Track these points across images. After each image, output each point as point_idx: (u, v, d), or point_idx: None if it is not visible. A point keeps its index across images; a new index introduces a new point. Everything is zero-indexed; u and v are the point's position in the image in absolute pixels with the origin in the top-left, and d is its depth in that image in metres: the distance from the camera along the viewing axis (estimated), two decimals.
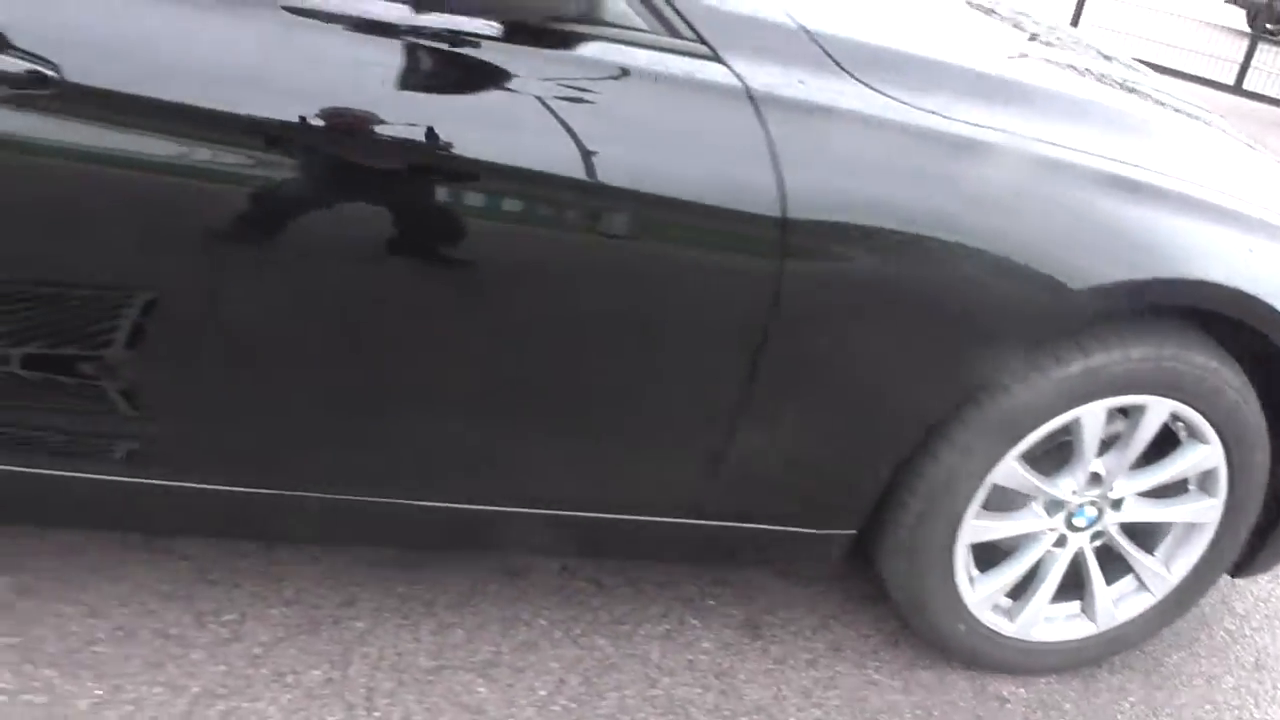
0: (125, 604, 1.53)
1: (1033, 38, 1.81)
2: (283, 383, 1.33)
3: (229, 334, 1.28)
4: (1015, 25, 1.85)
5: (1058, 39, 1.86)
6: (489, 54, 1.23)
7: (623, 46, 1.25)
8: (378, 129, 1.20)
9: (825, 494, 1.50)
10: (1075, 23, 5.67)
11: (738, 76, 1.28)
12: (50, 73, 1.12)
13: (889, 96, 1.34)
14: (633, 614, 1.65)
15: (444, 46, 1.22)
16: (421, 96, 1.23)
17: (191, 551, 1.63)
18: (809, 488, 1.49)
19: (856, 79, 1.33)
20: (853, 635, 1.69)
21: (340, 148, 1.20)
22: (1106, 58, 1.86)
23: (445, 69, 1.24)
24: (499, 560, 1.69)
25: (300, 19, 1.19)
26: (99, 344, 1.26)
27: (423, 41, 1.22)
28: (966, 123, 1.37)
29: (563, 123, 1.24)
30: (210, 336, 1.28)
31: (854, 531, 1.54)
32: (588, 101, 1.24)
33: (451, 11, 1.20)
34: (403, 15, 1.21)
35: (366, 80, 1.20)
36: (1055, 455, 1.60)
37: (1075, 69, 1.73)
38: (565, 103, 1.24)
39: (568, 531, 1.46)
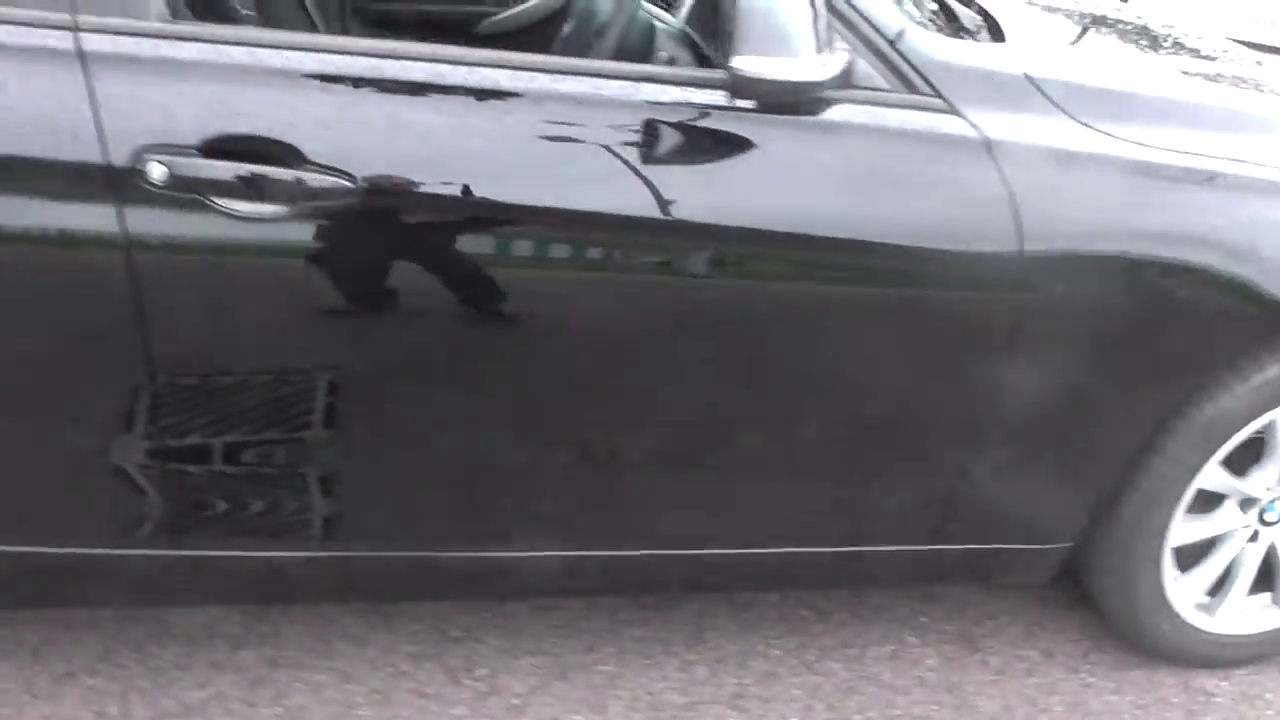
0: (376, 667, 1.60)
1: (1195, 53, 1.87)
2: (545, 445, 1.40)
3: (459, 410, 1.35)
4: (1178, 44, 1.91)
5: (1218, 51, 1.92)
6: (745, 126, 1.27)
7: (868, 107, 1.31)
8: (645, 209, 1.25)
9: (1050, 510, 1.57)
10: None
11: (974, 126, 1.34)
12: (347, 182, 1.19)
13: (1102, 132, 1.40)
14: (857, 637, 1.72)
15: (703, 124, 1.27)
16: (686, 172, 1.28)
17: (421, 611, 1.70)
18: (1036, 506, 1.56)
19: (1074, 118, 1.39)
20: (1061, 640, 1.76)
21: (620, 227, 1.25)
22: (1259, 63, 1.93)
23: (704, 143, 1.29)
24: (718, 595, 1.76)
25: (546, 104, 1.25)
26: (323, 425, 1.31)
27: (684, 120, 1.27)
28: (1173, 150, 1.43)
29: (820, 185, 1.31)
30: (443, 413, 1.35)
31: (1071, 544, 1.61)
32: (840, 163, 1.31)
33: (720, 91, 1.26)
34: (672, 96, 1.26)
35: (628, 159, 1.25)
36: (1239, 455, 1.67)
37: (1245, 82, 1.79)
38: (819, 166, 1.31)
39: (817, 568, 1.55)
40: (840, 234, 1.31)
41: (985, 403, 1.44)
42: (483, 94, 1.22)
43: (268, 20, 1.73)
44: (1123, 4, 2.84)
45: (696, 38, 1.56)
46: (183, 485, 1.34)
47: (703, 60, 1.58)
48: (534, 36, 2.48)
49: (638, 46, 1.54)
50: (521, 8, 2.44)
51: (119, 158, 1.15)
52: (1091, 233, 1.38)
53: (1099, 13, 1.93)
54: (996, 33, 1.60)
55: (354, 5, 2.40)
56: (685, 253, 1.29)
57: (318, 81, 1.19)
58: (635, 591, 1.69)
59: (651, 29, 1.56)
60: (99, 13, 1.17)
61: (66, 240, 1.18)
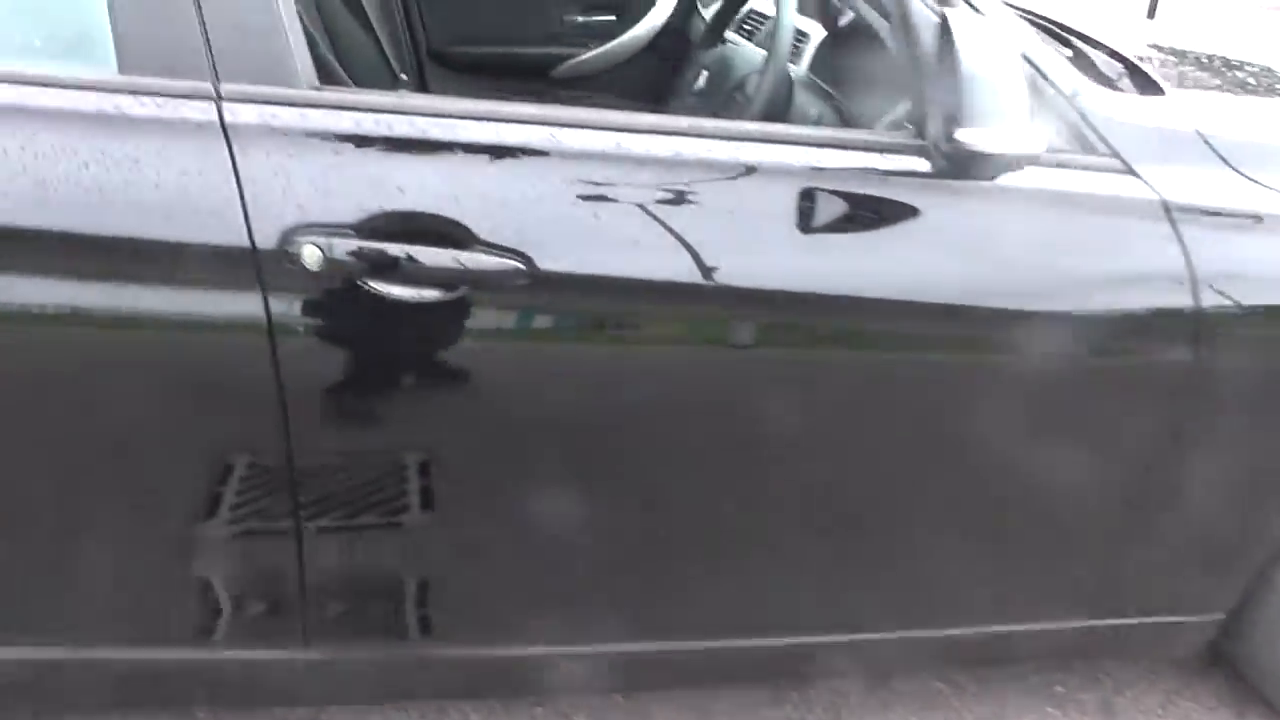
0: None
1: None
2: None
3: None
4: None
5: None
6: (922, 193, 1.20)
7: (1048, 169, 1.23)
8: (845, 287, 1.18)
9: (1207, 580, 1.49)
10: (1151, 14, 5.68)
11: (1150, 187, 1.27)
12: (521, 264, 1.10)
13: (1272, 188, 1.34)
14: (995, 713, 1.62)
15: (892, 194, 1.19)
16: (875, 244, 1.21)
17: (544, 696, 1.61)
18: (1196, 577, 1.49)
19: (1245, 175, 1.32)
20: (1200, 710, 1.68)
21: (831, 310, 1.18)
22: None
23: (891, 213, 1.21)
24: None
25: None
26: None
27: (874, 193, 1.19)
28: None
29: (999, 252, 1.23)
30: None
31: (1224, 615, 1.55)
32: (1020, 229, 1.24)
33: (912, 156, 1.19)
34: (862, 163, 1.19)
35: (826, 233, 1.19)
36: None
37: None
38: (998, 233, 1.24)
39: (970, 648, 1.46)
40: (1017, 304, 1.23)
41: (1152, 470, 1.36)
42: (666, 165, 1.13)
43: (349, 69, 1.65)
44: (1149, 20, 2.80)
45: (834, 92, 1.50)
46: (321, 581, 1.23)
47: (839, 114, 1.52)
48: (613, 79, 2.44)
49: (782, 103, 1.47)
50: (597, 52, 2.38)
51: (266, 239, 1.06)
52: (1269, 291, 1.32)
53: (1221, 54, 1.88)
54: (1137, 78, 1.55)
55: (431, 51, 2.31)
56: (878, 327, 1.21)
57: (488, 153, 1.10)
58: (782, 679, 1.60)
59: (791, 82, 1.49)
60: (242, 81, 1.08)
61: (206, 327, 1.09)
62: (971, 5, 1.22)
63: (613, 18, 2.41)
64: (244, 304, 1.07)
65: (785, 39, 1.48)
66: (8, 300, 1.05)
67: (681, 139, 1.14)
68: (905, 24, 1.21)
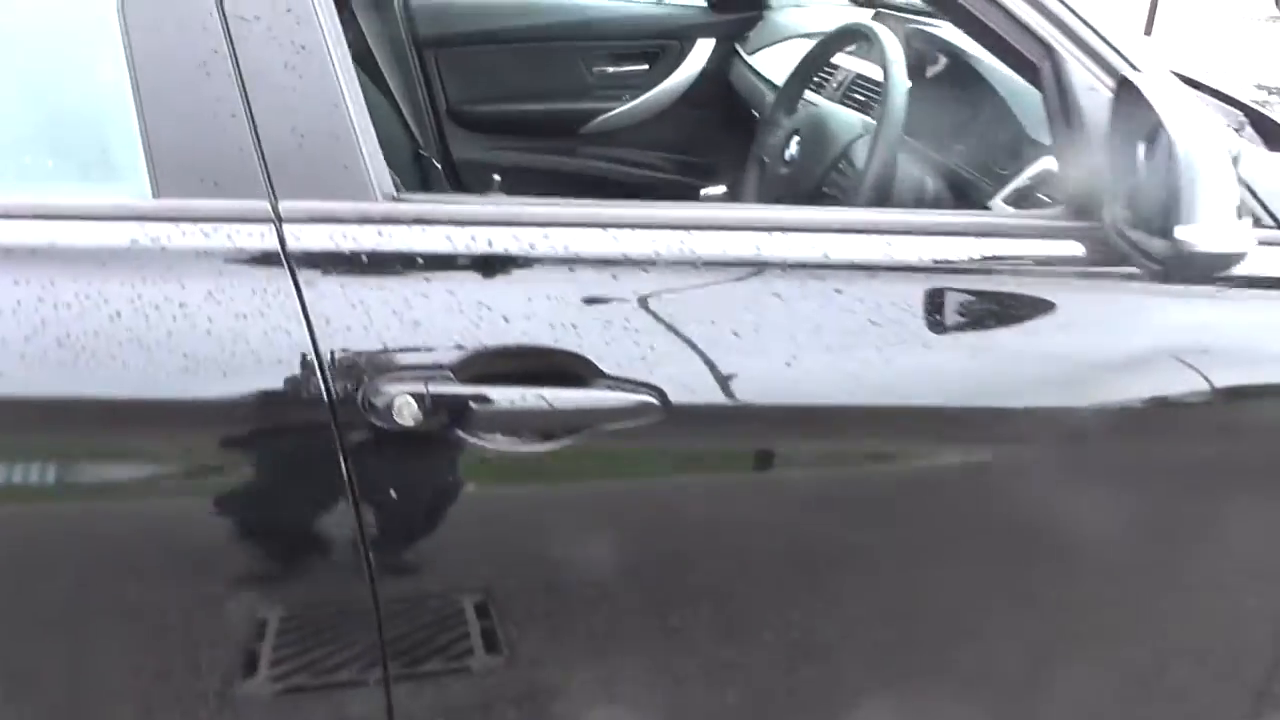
0: None
1: None
2: None
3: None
4: None
5: None
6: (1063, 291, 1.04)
7: None
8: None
9: None
10: (1149, 31, 5.64)
11: None
12: (653, 399, 0.91)
13: None
14: None
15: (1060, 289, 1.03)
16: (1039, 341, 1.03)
17: None
18: None
19: None
20: None
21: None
22: None
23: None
24: None
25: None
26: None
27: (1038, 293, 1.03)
28: None
29: (1173, 345, 1.08)
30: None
31: None
32: (1188, 321, 1.07)
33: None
34: (999, 250, 1.02)
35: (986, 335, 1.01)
36: None
37: None
38: (1166, 326, 1.08)
39: None
40: (1206, 400, 1.06)
41: None
42: (814, 270, 0.94)
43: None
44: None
45: (936, 155, 1.35)
46: None
47: (946, 181, 1.37)
48: (647, 134, 2.27)
49: (891, 172, 1.30)
50: (630, 105, 2.20)
51: (345, 390, 0.86)
52: None
53: None
54: (1266, 129, 1.41)
55: (449, 110, 2.12)
56: (1079, 445, 1.04)
57: (610, 267, 0.91)
58: None
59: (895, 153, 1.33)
60: (305, 197, 0.88)
61: (273, 496, 0.90)
62: (1132, 64, 1.10)
63: (644, 68, 2.24)
64: (320, 468, 0.88)
65: (899, 104, 1.30)
66: (43, 482, 0.87)
67: (829, 237, 0.95)
68: (1061, 91, 1.05)
